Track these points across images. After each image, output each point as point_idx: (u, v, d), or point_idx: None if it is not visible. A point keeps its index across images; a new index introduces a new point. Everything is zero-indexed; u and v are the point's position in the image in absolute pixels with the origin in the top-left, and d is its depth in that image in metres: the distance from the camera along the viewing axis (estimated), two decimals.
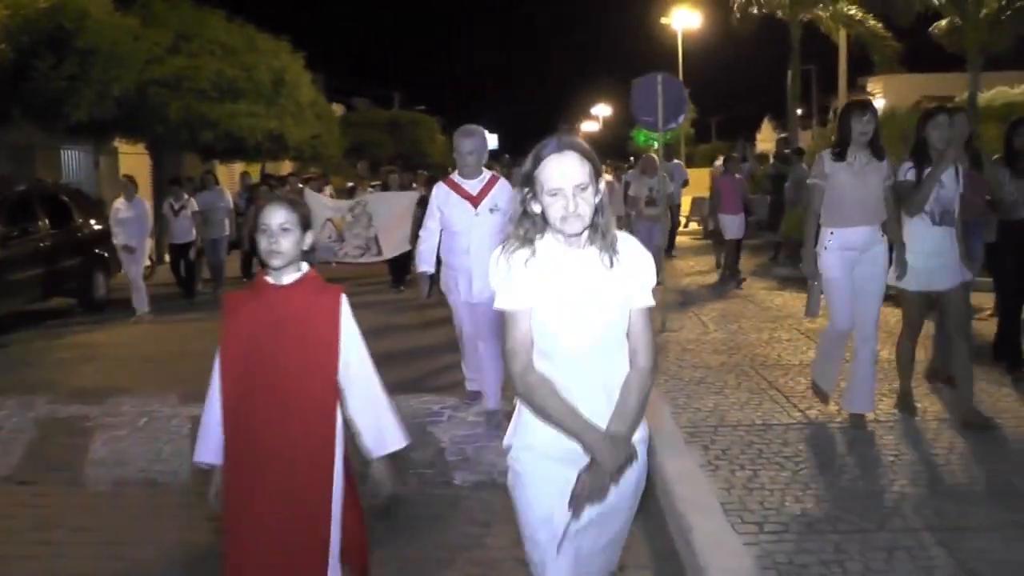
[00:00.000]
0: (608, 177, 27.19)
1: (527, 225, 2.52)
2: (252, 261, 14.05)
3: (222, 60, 20.19)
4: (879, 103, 37.08)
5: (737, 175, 13.49)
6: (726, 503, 4.48)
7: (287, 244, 2.95)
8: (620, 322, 2.54)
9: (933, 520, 4.22)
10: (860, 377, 5.73)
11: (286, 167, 27.42)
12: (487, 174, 6.47)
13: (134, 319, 11.64)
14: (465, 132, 6.44)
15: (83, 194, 14.17)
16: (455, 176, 6.50)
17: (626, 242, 2.57)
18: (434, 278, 6.74)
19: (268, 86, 21.36)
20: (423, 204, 9.79)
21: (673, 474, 4.88)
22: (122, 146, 22.21)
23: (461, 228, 6.33)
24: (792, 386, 6.76)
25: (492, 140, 56.44)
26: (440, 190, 6.54)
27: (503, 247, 2.55)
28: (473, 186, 6.37)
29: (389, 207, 13.49)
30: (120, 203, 11.97)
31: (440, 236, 6.51)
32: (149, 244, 12.90)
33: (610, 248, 2.50)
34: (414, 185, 15.58)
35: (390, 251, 13.44)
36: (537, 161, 2.48)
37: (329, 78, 28.08)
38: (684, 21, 29.81)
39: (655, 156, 13.20)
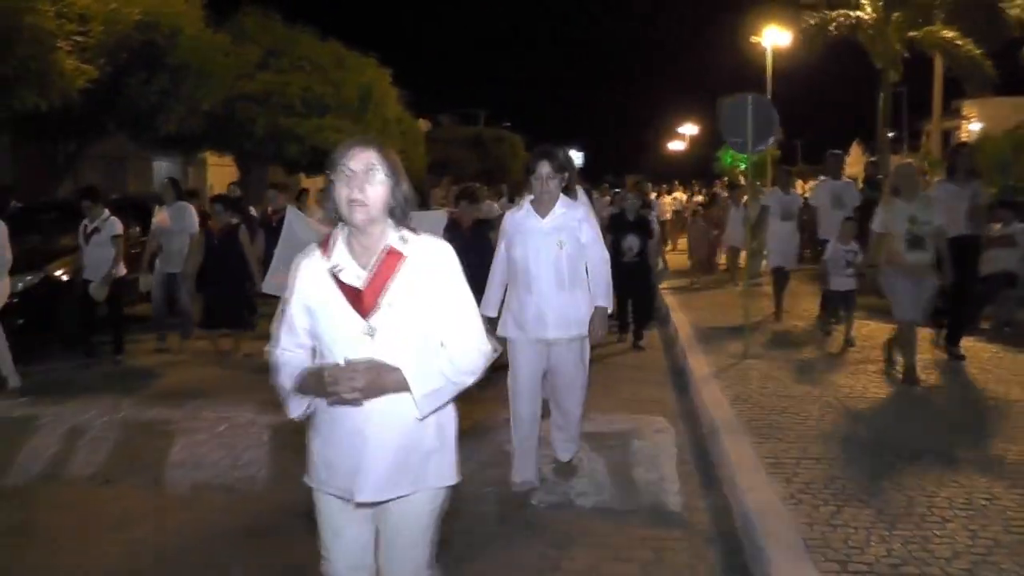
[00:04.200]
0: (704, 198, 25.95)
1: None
2: (221, 307, 9.91)
3: (310, 76, 20.58)
4: (974, 127, 36.12)
5: None
6: (808, 539, 4.33)
7: None
8: None
9: None
10: None
11: None
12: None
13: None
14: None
15: None
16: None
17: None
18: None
19: (355, 102, 21.68)
20: (452, 229, 8.51)
21: (753, 506, 4.76)
22: (211, 157, 22.79)
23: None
24: (877, 419, 6.55)
25: (578, 158, 56.47)
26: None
27: None
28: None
29: None
30: None
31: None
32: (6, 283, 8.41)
33: None
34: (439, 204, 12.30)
35: None
36: None
37: (416, 94, 28.38)
38: (774, 39, 29.18)
39: (913, 165, 8.88)
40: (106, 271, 9.37)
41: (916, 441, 5.99)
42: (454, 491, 2.93)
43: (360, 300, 2.74)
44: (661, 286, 13.53)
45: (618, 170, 30.73)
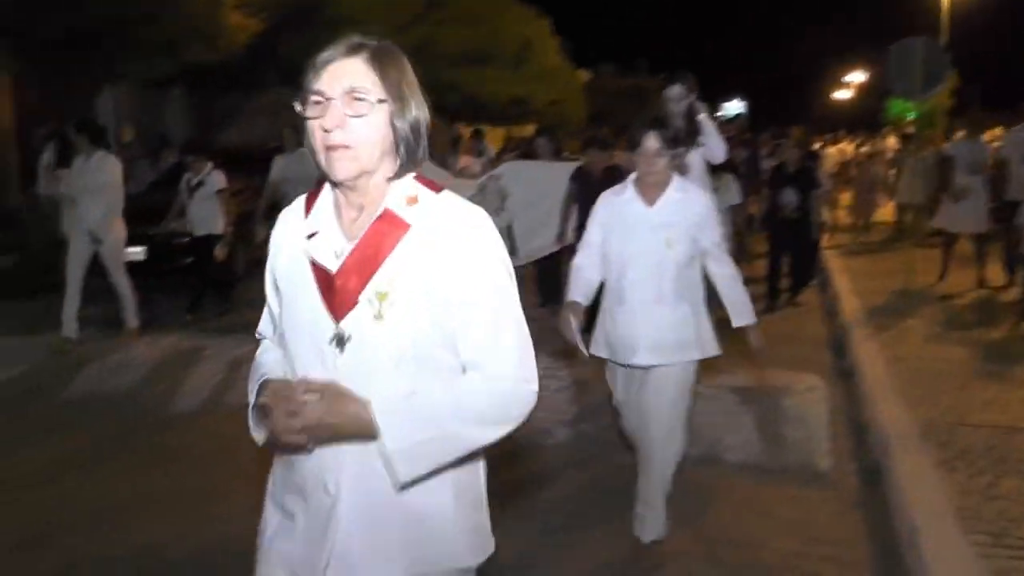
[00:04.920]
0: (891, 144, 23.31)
1: None
2: None
3: (469, 27, 20.72)
4: None
5: None
6: (961, 508, 4.12)
7: None
8: None
9: None
10: None
11: (529, 130, 27.91)
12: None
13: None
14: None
15: None
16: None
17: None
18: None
19: (513, 51, 21.74)
20: (580, 179, 7.85)
21: (904, 471, 4.58)
22: None
23: None
24: None
25: (741, 106, 54.76)
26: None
27: None
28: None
29: (532, 183, 8.89)
30: (78, 161, 8.20)
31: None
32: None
33: None
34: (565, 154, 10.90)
35: (529, 250, 8.80)
36: None
37: (576, 44, 28.33)
38: None
39: None
40: (223, 231, 9.17)
41: None
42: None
43: (331, 290, 1.77)
44: (823, 244, 12.75)
45: (781, 121, 29.63)
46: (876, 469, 4.95)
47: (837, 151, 23.88)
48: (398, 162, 1.79)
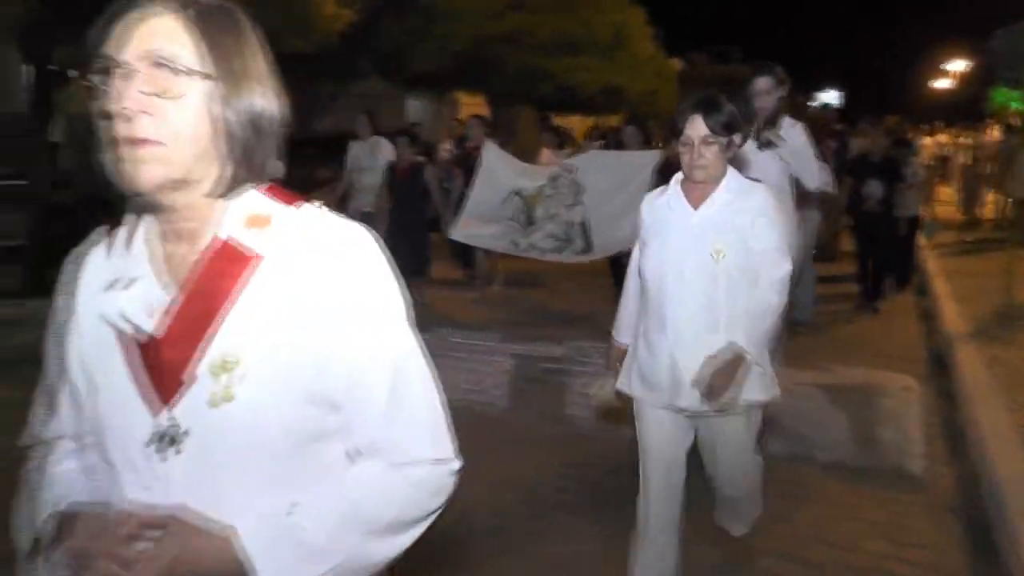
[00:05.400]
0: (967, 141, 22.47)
1: None
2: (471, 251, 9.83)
3: (563, 15, 20.64)
4: None
5: None
6: None
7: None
8: None
9: None
10: None
11: (616, 120, 27.76)
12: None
13: None
14: None
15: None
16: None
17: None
18: None
19: (607, 40, 21.59)
20: (665, 172, 6.99)
21: (1004, 477, 4.42)
22: (462, 97, 23.45)
23: None
24: None
25: (836, 97, 53.60)
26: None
27: None
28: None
29: (610, 174, 8.20)
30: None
31: None
32: None
33: None
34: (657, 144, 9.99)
35: (605, 245, 8.13)
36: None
37: (669, 32, 27.96)
38: None
39: None
40: None
41: None
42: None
43: (150, 366, 1.22)
44: (922, 244, 12.22)
45: (878, 110, 28.75)
46: (972, 475, 4.82)
47: (933, 143, 22.93)
48: (231, 169, 1.24)
